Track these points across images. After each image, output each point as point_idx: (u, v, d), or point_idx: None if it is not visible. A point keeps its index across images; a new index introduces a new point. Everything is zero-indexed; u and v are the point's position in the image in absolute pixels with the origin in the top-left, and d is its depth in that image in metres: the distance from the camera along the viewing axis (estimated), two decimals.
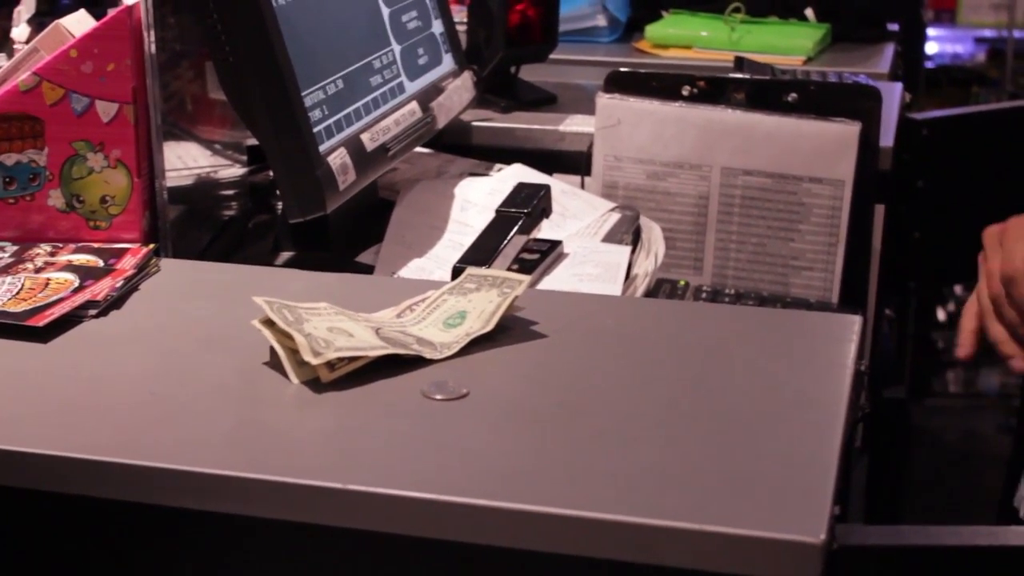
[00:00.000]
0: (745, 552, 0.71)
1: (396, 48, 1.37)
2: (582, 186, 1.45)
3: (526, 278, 1.01)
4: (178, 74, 1.19)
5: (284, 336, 0.91)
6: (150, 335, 1.00)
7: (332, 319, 0.94)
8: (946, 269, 1.78)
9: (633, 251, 1.26)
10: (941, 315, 3.14)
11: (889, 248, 1.57)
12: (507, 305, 0.98)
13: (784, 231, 1.39)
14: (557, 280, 1.19)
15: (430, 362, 0.93)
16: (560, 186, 1.37)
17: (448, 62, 1.51)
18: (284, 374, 0.91)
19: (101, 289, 1.04)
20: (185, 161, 1.21)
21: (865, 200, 1.40)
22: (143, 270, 1.10)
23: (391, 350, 0.92)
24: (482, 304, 0.99)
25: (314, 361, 0.88)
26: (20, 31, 1.37)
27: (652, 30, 2.19)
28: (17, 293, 1.03)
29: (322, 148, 1.16)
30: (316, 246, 1.27)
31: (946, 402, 2.94)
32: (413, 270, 1.22)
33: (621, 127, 1.43)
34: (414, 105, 1.36)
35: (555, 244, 1.23)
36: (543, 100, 1.76)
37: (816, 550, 0.70)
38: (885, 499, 1.83)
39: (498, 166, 1.48)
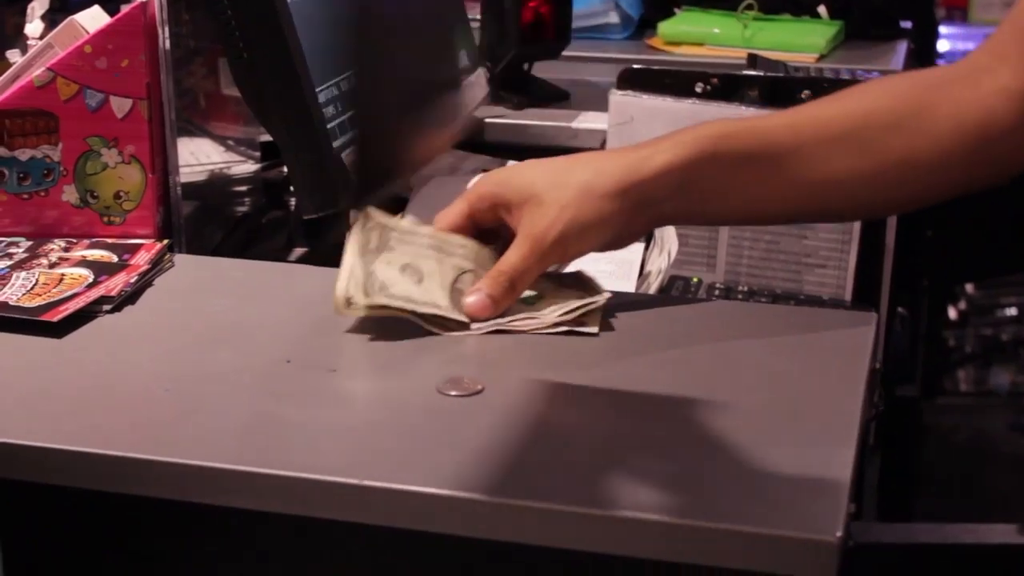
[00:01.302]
0: (761, 550, 0.71)
1: None
2: None
3: (606, 295, 1.00)
4: (192, 70, 1.19)
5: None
6: (164, 330, 1.00)
7: (420, 253, 0.94)
8: (959, 267, 1.78)
9: (646, 248, 1.26)
10: (952, 313, 3.13)
11: (902, 246, 1.56)
12: (583, 313, 0.97)
13: (797, 228, 1.39)
14: None
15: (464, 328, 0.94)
16: None
17: (462, 59, 1.51)
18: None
19: (115, 284, 1.04)
20: (198, 157, 1.21)
21: None
22: (157, 266, 1.10)
23: (437, 311, 0.93)
24: (560, 297, 0.98)
25: (345, 311, 0.90)
26: (34, 27, 1.36)
27: (665, 27, 2.18)
28: (31, 288, 1.03)
29: (336, 144, 1.16)
30: (329, 242, 1.26)
31: (957, 400, 2.93)
32: None
33: (634, 124, 1.42)
34: None
35: None
36: (556, 97, 1.76)
37: (832, 548, 0.70)
38: (897, 497, 1.82)
39: (511, 163, 1.48)
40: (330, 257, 1.17)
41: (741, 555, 0.71)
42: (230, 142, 1.30)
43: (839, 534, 0.70)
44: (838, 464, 0.77)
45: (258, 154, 1.37)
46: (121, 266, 1.08)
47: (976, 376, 3.03)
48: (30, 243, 1.14)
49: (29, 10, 1.39)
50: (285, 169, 1.34)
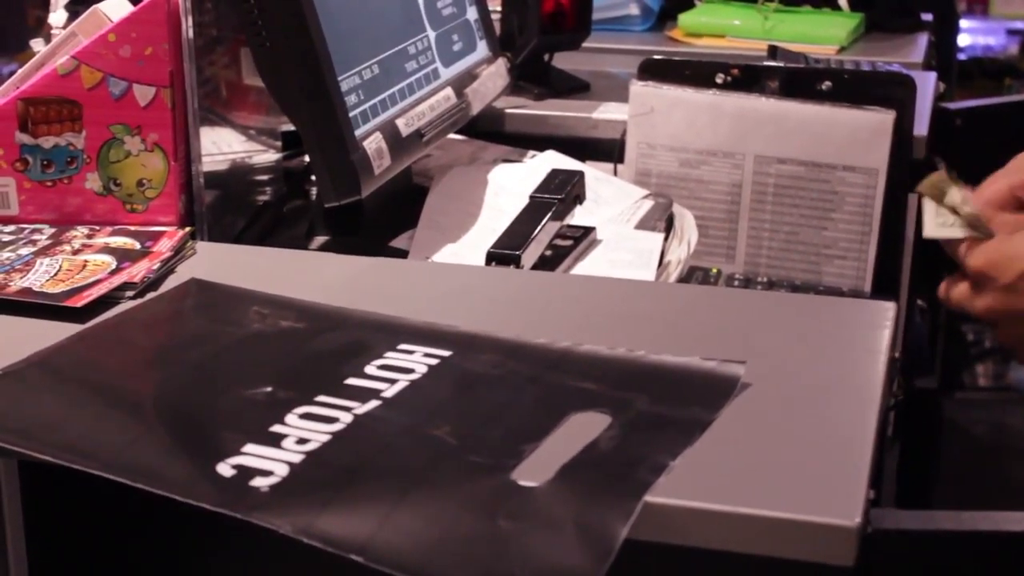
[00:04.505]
0: (781, 534, 0.71)
1: (431, 34, 1.38)
2: (615, 173, 1.45)
3: None
4: (213, 60, 1.20)
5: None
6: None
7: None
8: None
9: (666, 238, 1.26)
10: None
11: (922, 238, 1.56)
12: None
13: (817, 219, 1.39)
14: (590, 266, 1.19)
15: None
16: (593, 173, 1.37)
17: (482, 49, 1.51)
18: None
19: (138, 271, 1.05)
20: (220, 146, 1.22)
21: (898, 189, 1.40)
22: (179, 253, 1.11)
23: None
24: None
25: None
26: (58, 16, 1.38)
27: (685, 19, 2.18)
28: (55, 274, 1.04)
29: (358, 133, 1.17)
30: (350, 231, 1.27)
31: (976, 395, 2.92)
32: (447, 255, 1.23)
33: (654, 115, 1.43)
34: (449, 91, 1.36)
35: (588, 230, 1.24)
36: (576, 88, 1.76)
37: (851, 533, 0.70)
38: (916, 488, 1.82)
39: (531, 153, 1.49)
40: (351, 246, 1.18)
41: (760, 539, 0.71)
42: (252, 131, 1.30)
43: (859, 519, 0.70)
44: (857, 450, 0.77)
45: (280, 143, 1.37)
46: (144, 253, 1.09)
47: (995, 371, 3.02)
48: (53, 230, 1.14)
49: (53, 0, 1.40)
50: (307, 158, 1.35)
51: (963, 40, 3.93)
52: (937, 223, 1.06)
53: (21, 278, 1.03)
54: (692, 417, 0.81)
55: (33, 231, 1.14)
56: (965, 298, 1.05)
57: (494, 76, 1.50)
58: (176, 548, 0.91)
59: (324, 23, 1.15)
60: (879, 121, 1.37)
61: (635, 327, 0.98)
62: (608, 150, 1.49)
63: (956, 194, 1.06)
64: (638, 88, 1.43)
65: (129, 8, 1.16)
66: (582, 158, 1.45)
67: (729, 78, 1.41)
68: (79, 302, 0.99)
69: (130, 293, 1.02)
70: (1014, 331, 1.02)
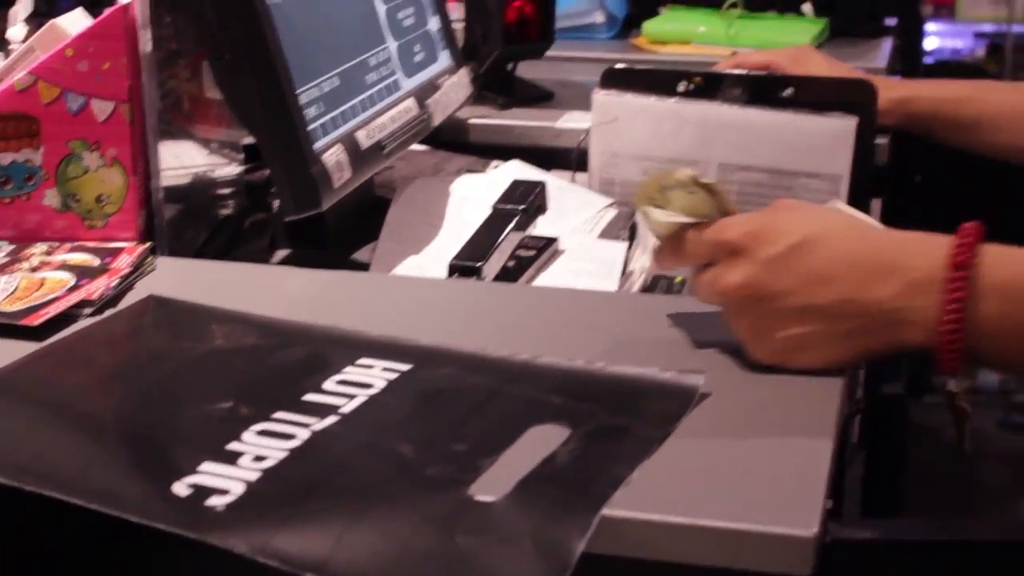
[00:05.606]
0: (737, 546, 0.71)
1: (392, 45, 1.37)
2: (572, 181, 1.45)
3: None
4: (174, 73, 1.19)
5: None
6: None
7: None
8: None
9: (629, 247, 1.26)
10: None
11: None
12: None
13: None
14: (553, 276, 1.19)
15: None
16: (556, 182, 1.37)
17: (444, 59, 1.51)
18: None
19: (96, 288, 1.04)
20: (181, 160, 1.21)
21: (861, 195, 1.40)
22: (139, 269, 1.10)
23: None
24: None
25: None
26: (17, 30, 1.37)
27: (649, 26, 2.19)
28: (12, 292, 1.03)
29: (317, 146, 1.16)
30: (312, 244, 1.27)
31: (944, 399, 2.93)
32: (409, 267, 1.22)
33: (618, 123, 1.43)
34: (410, 102, 1.36)
35: (551, 241, 1.23)
36: (540, 97, 1.76)
37: (808, 543, 0.70)
38: (883, 495, 1.83)
39: (495, 163, 1.48)
40: (313, 259, 1.18)
41: (717, 551, 0.71)
42: (213, 145, 1.30)
43: (816, 529, 0.70)
44: (815, 459, 0.77)
45: (242, 156, 1.37)
46: (102, 270, 1.08)
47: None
48: (12, 247, 1.14)
49: (11, 14, 1.40)
50: (268, 171, 1.35)
51: (930, 44, 3.94)
52: (663, 218, 0.95)
53: None
54: (650, 429, 0.81)
55: None
56: (713, 277, 0.90)
57: (457, 86, 1.50)
58: (139, 564, 0.90)
59: (282, 35, 1.14)
60: (841, 127, 1.37)
61: (597, 338, 0.98)
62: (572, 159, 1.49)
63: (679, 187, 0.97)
64: (601, 97, 1.43)
65: (87, 22, 1.16)
66: (547, 167, 1.45)
67: (692, 86, 1.41)
68: (36, 320, 0.98)
69: (88, 310, 1.02)
70: (758, 310, 0.88)
